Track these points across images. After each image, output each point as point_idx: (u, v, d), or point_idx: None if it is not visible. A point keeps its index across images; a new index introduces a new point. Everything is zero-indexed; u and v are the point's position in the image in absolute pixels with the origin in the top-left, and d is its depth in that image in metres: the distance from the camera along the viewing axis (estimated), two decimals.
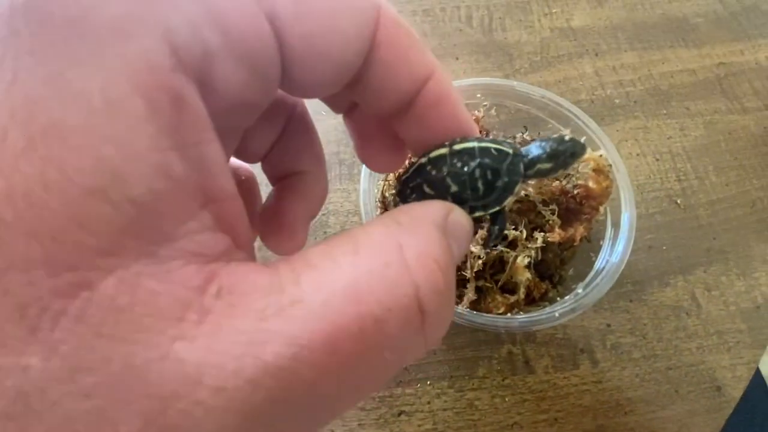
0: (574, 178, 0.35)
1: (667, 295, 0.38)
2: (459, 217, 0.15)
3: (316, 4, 0.12)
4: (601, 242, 0.34)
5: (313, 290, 0.10)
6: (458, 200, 0.17)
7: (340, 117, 0.20)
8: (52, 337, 0.08)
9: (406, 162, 0.21)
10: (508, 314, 0.32)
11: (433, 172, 0.17)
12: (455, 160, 0.17)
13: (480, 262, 0.32)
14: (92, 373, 0.08)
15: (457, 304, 0.32)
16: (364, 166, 0.30)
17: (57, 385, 0.08)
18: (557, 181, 0.34)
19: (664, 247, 0.40)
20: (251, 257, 0.13)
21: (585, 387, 0.35)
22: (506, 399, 0.34)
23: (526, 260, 0.33)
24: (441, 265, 0.12)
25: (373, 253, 0.11)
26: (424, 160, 0.17)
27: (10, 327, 0.08)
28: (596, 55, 0.51)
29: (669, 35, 0.52)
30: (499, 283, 0.34)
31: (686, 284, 0.39)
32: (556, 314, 0.30)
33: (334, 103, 0.18)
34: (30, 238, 0.08)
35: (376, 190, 0.35)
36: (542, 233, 0.33)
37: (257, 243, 0.19)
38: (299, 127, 0.19)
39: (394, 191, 0.33)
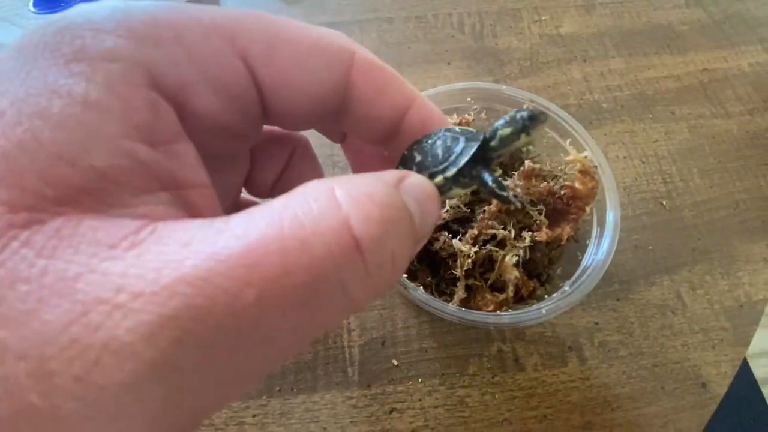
0: (561, 180, 0.35)
1: (653, 293, 0.39)
2: (417, 179, 0.14)
3: (286, 47, 0.15)
4: (588, 242, 0.35)
5: (239, 223, 0.11)
6: (421, 169, 0.17)
7: None
8: (1, 256, 0.09)
9: None
10: (498, 312, 0.33)
11: (405, 152, 0.19)
12: (424, 139, 0.18)
13: (469, 261, 0.33)
14: (28, 283, 0.09)
15: (448, 302, 0.32)
16: None
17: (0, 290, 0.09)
18: (545, 182, 0.35)
19: (650, 247, 0.41)
20: None
21: (573, 384, 0.35)
22: (496, 396, 0.35)
23: (515, 259, 0.33)
24: (375, 200, 0.12)
25: (304, 194, 0.11)
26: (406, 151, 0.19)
27: None
28: (584, 61, 0.52)
29: (655, 42, 0.54)
30: (489, 282, 0.35)
31: (672, 283, 0.40)
32: (543, 311, 0.31)
33: (328, 134, 0.21)
34: None
35: None
36: (530, 233, 0.34)
37: None
38: (304, 156, 0.21)
39: None
